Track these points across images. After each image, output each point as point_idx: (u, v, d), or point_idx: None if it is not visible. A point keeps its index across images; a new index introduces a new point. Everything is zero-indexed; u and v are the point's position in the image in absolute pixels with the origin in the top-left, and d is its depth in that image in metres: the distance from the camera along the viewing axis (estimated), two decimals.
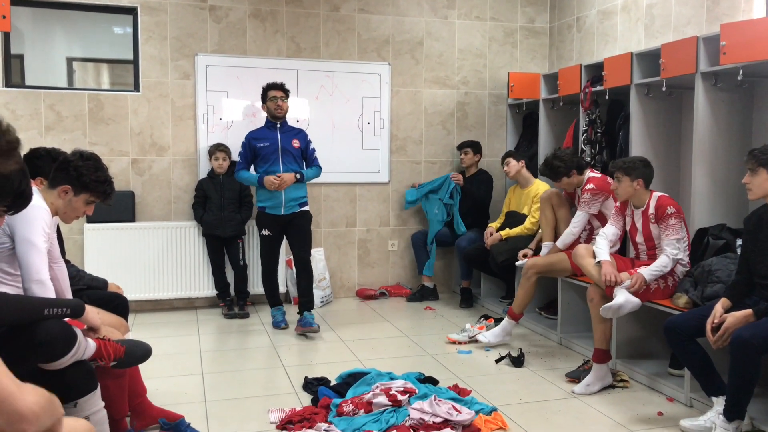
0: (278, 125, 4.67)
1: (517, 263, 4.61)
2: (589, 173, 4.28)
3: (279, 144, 4.63)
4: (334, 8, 5.65)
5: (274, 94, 4.62)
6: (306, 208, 4.73)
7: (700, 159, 3.81)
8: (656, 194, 3.60)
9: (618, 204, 3.80)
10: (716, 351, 2.96)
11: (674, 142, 4.42)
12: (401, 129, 5.91)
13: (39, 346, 2.01)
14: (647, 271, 3.45)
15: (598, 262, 3.60)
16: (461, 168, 5.83)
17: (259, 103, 5.44)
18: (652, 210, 3.57)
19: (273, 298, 4.84)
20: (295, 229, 4.69)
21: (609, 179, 4.08)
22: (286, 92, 4.68)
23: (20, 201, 1.94)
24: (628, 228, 3.75)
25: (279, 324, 4.74)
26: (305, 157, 4.77)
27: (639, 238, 3.69)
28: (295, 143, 4.68)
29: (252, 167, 4.74)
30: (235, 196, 5.18)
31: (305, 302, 4.68)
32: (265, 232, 4.67)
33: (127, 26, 5.31)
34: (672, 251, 3.45)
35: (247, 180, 4.71)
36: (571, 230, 4.24)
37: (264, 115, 5.44)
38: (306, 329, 4.52)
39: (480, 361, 4.04)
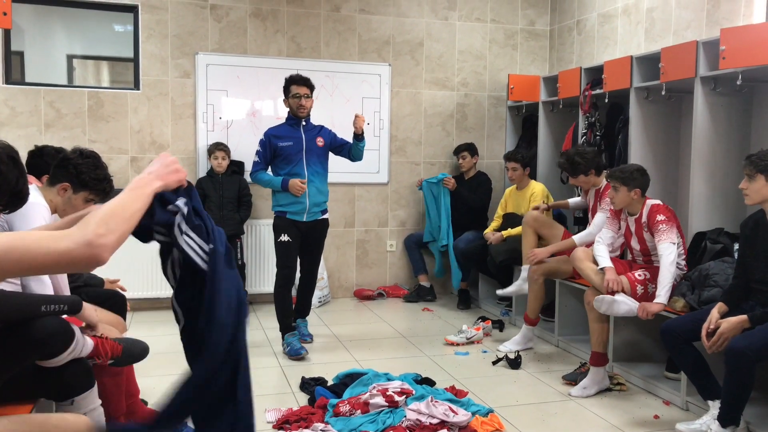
0: (302, 122, 4.25)
1: (522, 267, 4.48)
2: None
3: (304, 144, 4.20)
4: (335, 8, 5.65)
5: (296, 91, 4.16)
6: (327, 215, 4.37)
7: (699, 163, 3.82)
8: (649, 202, 3.57)
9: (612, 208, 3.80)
10: (713, 354, 2.96)
11: (673, 146, 4.43)
12: (401, 130, 5.91)
13: (36, 342, 2.00)
14: (663, 298, 3.35)
15: (602, 269, 3.59)
16: (459, 171, 5.83)
17: (259, 103, 5.49)
18: (644, 219, 3.56)
19: (286, 319, 4.26)
20: (313, 241, 4.33)
21: None
22: (311, 88, 4.22)
23: (16, 200, 1.94)
24: (623, 232, 3.76)
25: (299, 352, 4.08)
26: (336, 146, 4.35)
27: (634, 243, 3.69)
28: (320, 141, 4.27)
29: (269, 168, 4.30)
30: (234, 196, 5.18)
31: (302, 308, 4.48)
32: (285, 237, 4.19)
33: (128, 24, 5.32)
34: (667, 254, 3.37)
35: (268, 183, 4.21)
36: (590, 231, 4.09)
37: (259, 115, 5.46)
38: (300, 341, 4.29)
39: (477, 363, 4.04)
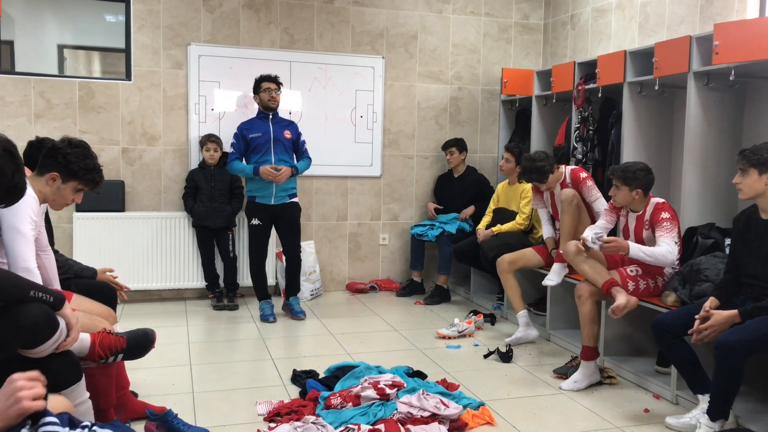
0: (270, 116, 4.77)
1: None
2: (565, 168, 4.27)
3: (271, 134, 4.72)
4: (329, 0, 5.62)
5: (267, 86, 4.71)
6: (295, 199, 4.85)
7: (691, 158, 3.83)
8: (654, 200, 3.55)
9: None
10: (703, 349, 2.98)
11: (666, 141, 4.44)
12: (394, 123, 5.90)
13: (21, 329, 1.98)
14: (635, 246, 3.37)
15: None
16: (447, 168, 5.82)
17: (251, 95, 5.45)
18: (647, 217, 3.54)
19: (261, 290, 4.88)
20: (286, 222, 4.83)
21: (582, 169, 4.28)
22: (279, 84, 4.78)
23: (12, 194, 1.92)
24: (621, 227, 3.75)
25: (267, 317, 4.75)
26: (296, 149, 4.87)
27: (631, 239, 3.69)
28: (287, 134, 4.78)
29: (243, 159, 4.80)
30: (225, 188, 5.16)
31: (292, 287, 4.93)
32: (255, 221, 4.75)
33: (120, 14, 5.27)
34: (668, 250, 3.36)
35: (241, 171, 4.72)
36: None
37: (252, 107, 5.47)
38: (293, 318, 4.83)
39: (468, 356, 4.04)
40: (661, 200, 3.56)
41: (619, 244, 3.40)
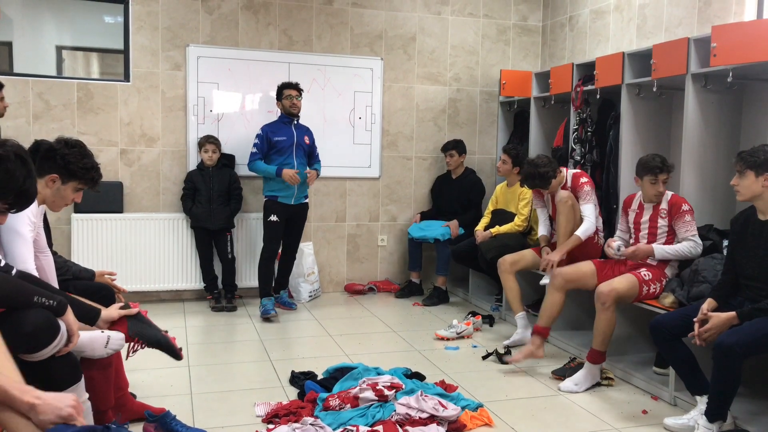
0: (294, 121, 4.99)
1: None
2: (567, 171, 4.28)
3: (295, 139, 4.96)
4: (327, 1, 5.63)
5: (289, 92, 4.92)
6: (307, 200, 5.15)
7: (689, 160, 3.83)
8: (669, 192, 3.65)
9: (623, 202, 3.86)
10: (701, 350, 2.98)
11: (664, 143, 4.44)
12: (393, 124, 5.90)
13: (24, 335, 1.99)
14: (659, 248, 3.56)
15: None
16: (447, 169, 5.82)
17: (251, 96, 5.49)
18: (664, 206, 3.62)
19: (266, 287, 4.98)
20: (297, 222, 5.11)
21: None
22: (300, 91, 5.00)
23: (23, 199, 1.93)
24: (632, 220, 3.80)
25: (269, 311, 4.80)
26: (310, 153, 5.12)
27: (643, 230, 3.70)
28: (306, 140, 5.05)
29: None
30: (224, 189, 5.16)
31: (283, 282, 5.23)
32: (274, 218, 4.92)
33: (118, 15, 5.27)
34: (692, 246, 3.53)
35: (264, 170, 4.88)
36: (591, 221, 4.11)
37: (250, 108, 5.50)
38: (288, 309, 5.16)
39: (467, 358, 4.05)
40: (674, 192, 3.67)
41: (641, 251, 3.59)
